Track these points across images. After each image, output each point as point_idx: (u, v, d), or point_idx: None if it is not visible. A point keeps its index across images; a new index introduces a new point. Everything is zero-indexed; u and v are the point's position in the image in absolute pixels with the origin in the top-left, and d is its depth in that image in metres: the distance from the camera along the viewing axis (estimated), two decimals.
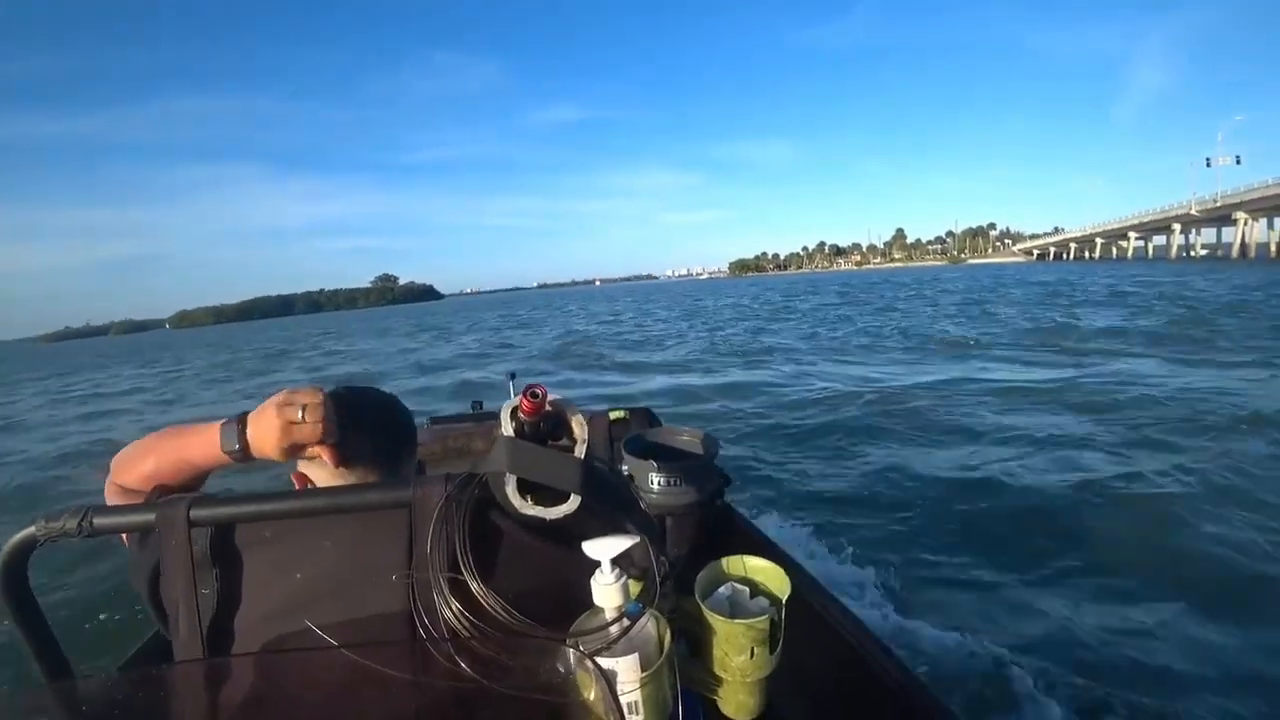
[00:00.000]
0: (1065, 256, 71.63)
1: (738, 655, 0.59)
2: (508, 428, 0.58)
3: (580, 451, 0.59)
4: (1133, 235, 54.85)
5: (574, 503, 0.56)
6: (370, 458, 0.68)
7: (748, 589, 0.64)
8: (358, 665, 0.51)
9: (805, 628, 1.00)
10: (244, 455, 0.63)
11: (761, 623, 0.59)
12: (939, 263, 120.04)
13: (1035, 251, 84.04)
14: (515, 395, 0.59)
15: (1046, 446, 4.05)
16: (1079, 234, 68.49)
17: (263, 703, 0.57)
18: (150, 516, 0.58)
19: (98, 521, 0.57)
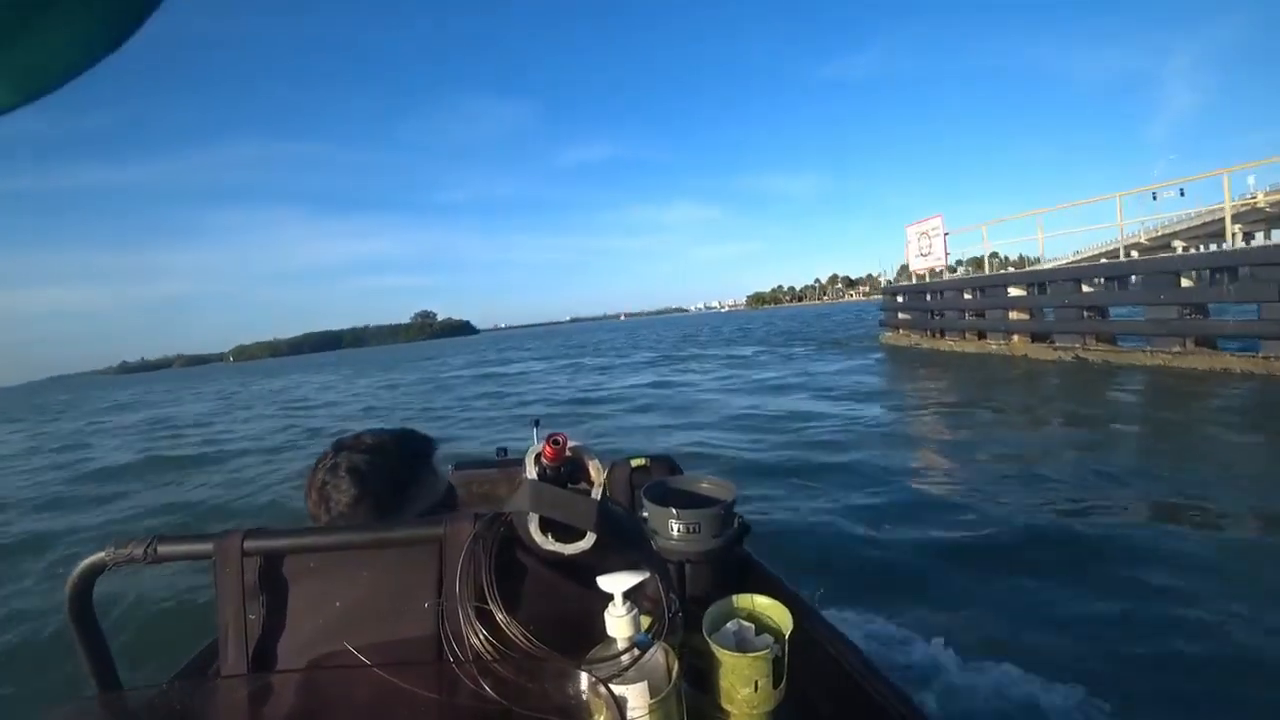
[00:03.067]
0: None
1: (743, 688, 0.62)
2: (531, 471, 0.65)
3: (597, 493, 0.64)
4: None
5: (589, 540, 0.62)
6: (348, 508, 0.69)
7: (753, 625, 0.67)
8: (389, 685, 0.56)
9: (811, 661, 1.00)
10: None
11: (765, 656, 0.62)
12: None
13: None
14: (539, 441, 0.66)
15: None
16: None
17: (300, 717, 0.61)
18: (208, 546, 0.63)
19: (162, 549, 0.63)
